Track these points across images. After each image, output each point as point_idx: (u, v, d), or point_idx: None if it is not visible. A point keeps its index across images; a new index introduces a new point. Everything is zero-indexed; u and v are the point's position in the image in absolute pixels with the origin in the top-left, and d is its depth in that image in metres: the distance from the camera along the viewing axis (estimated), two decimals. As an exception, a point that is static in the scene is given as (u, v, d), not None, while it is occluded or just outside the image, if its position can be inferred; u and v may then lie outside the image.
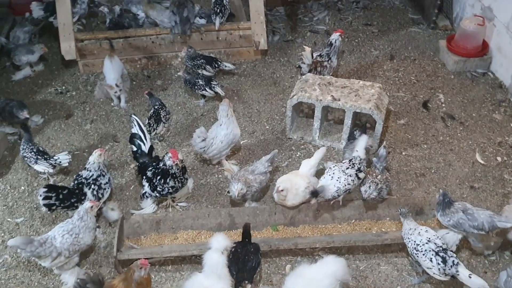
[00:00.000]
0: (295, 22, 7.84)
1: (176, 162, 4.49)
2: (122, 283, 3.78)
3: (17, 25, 7.30)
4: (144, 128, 4.97)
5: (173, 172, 4.54)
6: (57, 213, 4.97)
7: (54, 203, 4.45)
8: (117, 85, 6.11)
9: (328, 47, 5.99)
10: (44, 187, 4.44)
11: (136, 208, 4.96)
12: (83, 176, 4.69)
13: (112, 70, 6.18)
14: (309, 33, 7.61)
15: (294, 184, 4.56)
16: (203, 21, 7.01)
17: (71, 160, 5.19)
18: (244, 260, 4.02)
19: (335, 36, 5.94)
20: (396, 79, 6.58)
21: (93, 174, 4.68)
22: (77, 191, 4.61)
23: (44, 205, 4.43)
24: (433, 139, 5.64)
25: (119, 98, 6.32)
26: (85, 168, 4.75)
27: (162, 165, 4.56)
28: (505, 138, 5.57)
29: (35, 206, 5.05)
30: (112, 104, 6.38)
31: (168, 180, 4.57)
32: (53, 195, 4.44)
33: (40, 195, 4.41)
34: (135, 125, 4.95)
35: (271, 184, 5.08)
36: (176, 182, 4.62)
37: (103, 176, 4.74)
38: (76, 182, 4.69)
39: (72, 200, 4.54)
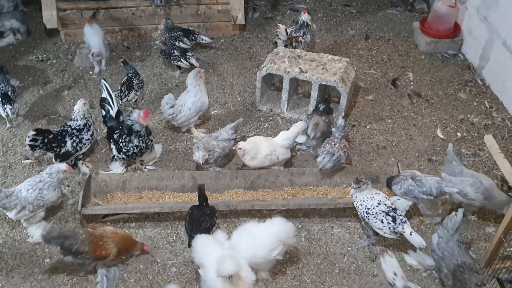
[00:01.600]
0: (276, 0, 7.97)
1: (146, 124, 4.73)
2: (114, 242, 4.01)
3: None
4: (112, 93, 5.13)
5: (137, 129, 4.73)
6: (29, 172, 5.16)
7: (38, 145, 4.74)
8: (98, 54, 6.36)
9: (305, 28, 6.17)
10: (34, 131, 4.72)
11: (106, 170, 5.14)
12: (70, 125, 4.94)
13: (95, 35, 6.39)
14: (289, 11, 7.75)
15: (256, 148, 4.75)
16: None
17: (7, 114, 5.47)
18: (199, 221, 4.21)
19: (306, 17, 6.16)
20: (369, 57, 6.75)
21: (79, 124, 4.92)
22: (59, 137, 4.86)
23: (29, 145, 4.73)
24: (398, 114, 5.82)
25: (99, 64, 6.53)
26: (71, 118, 4.98)
27: (128, 123, 4.75)
28: (467, 116, 5.76)
29: (8, 165, 5.23)
30: (90, 72, 6.54)
31: (132, 137, 4.76)
32: (40, 138, 4.71)
33: (28, 137, 4.68)
34: (104, 90, 5.12)
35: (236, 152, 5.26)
36: (141, 142, 4.81)
37: (88, 129, 4.97)
38: (61, 128, 4.95)
39: (53, 145, 4.81)
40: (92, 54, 6.37)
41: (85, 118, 4.94)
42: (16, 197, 4.24)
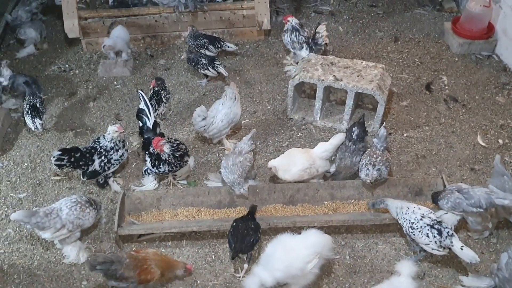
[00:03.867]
0: (299, 3, 7.78)
1: (160, 150, 4.55)
2: (157, 265, 3.86)
3: (19, 5, 7.29)
4: (149, 104, 4.98)
5: (164, 158, 4.60)
6: (60, 189, 5.04)
7: (65, 164, 4.59)
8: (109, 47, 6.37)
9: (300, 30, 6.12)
10: (59, 151, 4.55)
11: (138, 185, 5.01)
12: (100, 143, 4.78)
13: (116, 31, 6.42)
14: (313, 14, 7.56)
15: (290, 161, 4.62)
16: None
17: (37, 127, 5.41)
18: (244, 234, 4.08)
19: (292, 20, 6.14)
20: (400, 60, 6.55)
21: (107, 145, 4.75)
22: (87, 155, 4.70)
23: (56, 165, 4.58)
24: (435, 121, 5.63)
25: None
26: (103, 135, 4.82)
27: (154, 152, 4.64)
28: (507, 121, 5.55)
29: (37, 182, 5.11)
30: (115, 83, 6.40)
31: (161, 164, 4.65)
32: (66, 157, 4.56)
33: (54, 157, 4.53)
34: (141, 101, 4.98)
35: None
36: (173, 167, 4.69)
37: (116, 151, 4.80)
38: (91, 145, 4.80)
39: (81, 163, 4.66)
40: (104, 46, 6.35)
41: (113, 142, 4.74)
42: (56, 215, 4.09)
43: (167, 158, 4.59)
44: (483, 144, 5.31)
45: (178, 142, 4.72)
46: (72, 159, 4.60)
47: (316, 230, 3.97)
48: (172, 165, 4.66)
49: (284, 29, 6.16)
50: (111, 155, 4.75)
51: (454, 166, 5.09)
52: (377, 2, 7.74)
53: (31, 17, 7.26)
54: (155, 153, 4.59)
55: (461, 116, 5.66)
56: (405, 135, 5.47)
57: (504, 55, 6.40)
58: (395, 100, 5.91)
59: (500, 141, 5.33)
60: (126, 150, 4.90)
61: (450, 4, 7.44)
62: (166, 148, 4.53)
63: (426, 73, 6.30)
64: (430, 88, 6.06)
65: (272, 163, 4.65)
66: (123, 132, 4.79)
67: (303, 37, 6.07)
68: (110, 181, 4.97)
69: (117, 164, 4.86)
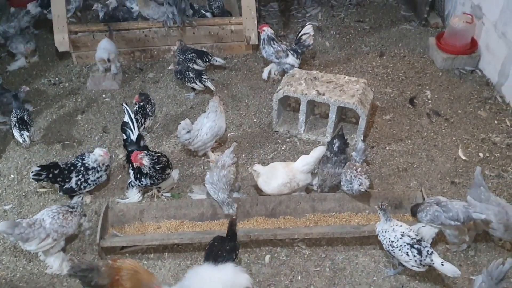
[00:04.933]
0: (288, 18, 7.91)
1: (140, 164, 4.60)
2: (130, 281, 3.83)
3: (4, 21, 7.34)
4: (133, 117, 5.05)
5: (145, 171, 4.66)
6: (45, 201, 5.09)
7: (43, 179, 4.71)
8: (109, 60, 6.43)
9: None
10: (38, 167, 4.67)
11: (122, 198, 5.06)
12: (83, 159, 4.86)
13: (102, 43, 6.47)
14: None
15: (272, 174, 4.70)
16: (208, 14, 7.18)
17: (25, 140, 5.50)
18: (217, 255, 4.09)
19: (268, 29, 6.16)
20: (385, 75, 6.65)
21: (88, 164, 4.84)
22: (66, 172, 4.78)
23: (33, 179, 4.72)
24: (418, 134, 5.71)
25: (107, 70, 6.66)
26: (89, 153, 4.91)
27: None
28: (489, 135, 5.63)
29: (23, 193, 5.16)
30: (103, 96, 6.48)
31: (143, 177, 4.70)
32: (44, 173, 4.68)
33: (32, 172, 4.65)
34: (125, 114, 5.05)
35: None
36: (155, 180, 4.75)
37: (96, 172, 4.87)
38: (73, 161, 4.89)
39: (59, 179, 4.78)
40: (97, 60, 6.45)
41: (95, 163, 4.84)
42: (39, 225, 4.15)
43: (148, 172, 4.64)
44: (464, 157, 5.38)
45: (158, 154, 4.78)
46: (50, 175, 4.72)
47: (236, 267, 3.97)
48: (154, 178, 4.72)
49: (262, 40, 6.18)
50: (88, 175, 4.83)
51: (435, 179, 5.16)
52: (364, 17, 7.87)
53: (20, 31, 7.33)
54: (135, 166, 4.65)
55: (443, 130, 5.74)
56: (387, 148, 5.54)
57: (486, 70, 6.50)
58: (379, 114, 5.99)
59: (481, 154, 5.41)
60: (106, 173, 4.98)
61: (435, 19, 7.55)
62: (146, 161, 4.59)
63: (410, 88, 6.39)
64: (413, 102, 6.15)
65: (258, 167, 4.72)
66: (108, 157, 4.93)
67: (284, 45, 6.18)
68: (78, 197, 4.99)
69: (93, 185, 4.93)
